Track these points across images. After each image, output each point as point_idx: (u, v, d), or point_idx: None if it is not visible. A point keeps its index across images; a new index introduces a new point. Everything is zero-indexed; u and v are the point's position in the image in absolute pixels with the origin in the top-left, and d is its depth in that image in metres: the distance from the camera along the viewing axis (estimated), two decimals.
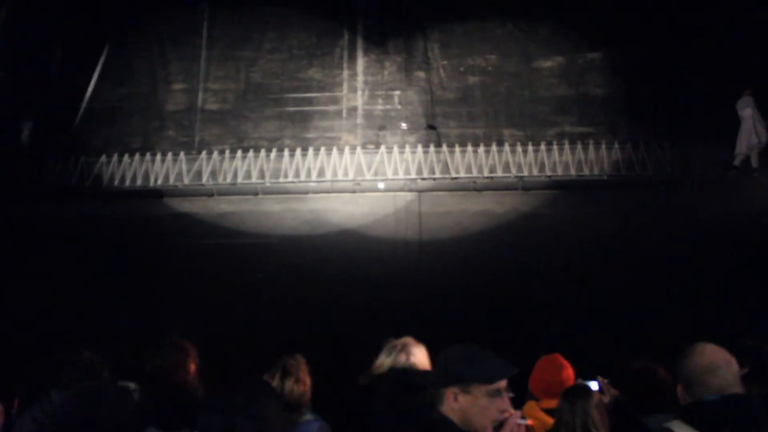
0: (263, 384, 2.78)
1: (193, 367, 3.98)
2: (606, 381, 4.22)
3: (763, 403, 2.94)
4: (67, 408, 2.74)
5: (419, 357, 4.03)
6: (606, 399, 4.01)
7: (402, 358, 3.98)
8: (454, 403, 2.55)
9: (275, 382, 3.93)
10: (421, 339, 4.25)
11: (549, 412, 4.31)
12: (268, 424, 2.28)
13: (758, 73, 11.51)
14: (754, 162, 11.38)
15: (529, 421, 2.98)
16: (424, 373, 3.95)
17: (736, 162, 11.48)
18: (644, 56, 12.40)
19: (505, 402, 2.59)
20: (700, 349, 3.03)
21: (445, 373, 2.62)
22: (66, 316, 10.40)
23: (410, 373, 3.90)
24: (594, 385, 4.02)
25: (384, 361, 4.03)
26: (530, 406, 4.55)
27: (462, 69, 12.99)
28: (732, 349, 3.03)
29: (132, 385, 3.78)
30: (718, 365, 2.95)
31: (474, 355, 2.64)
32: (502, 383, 2.60)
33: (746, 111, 11.28)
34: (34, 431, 4.00)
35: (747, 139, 11.27)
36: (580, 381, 4.19)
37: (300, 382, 3.98)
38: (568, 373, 4.66)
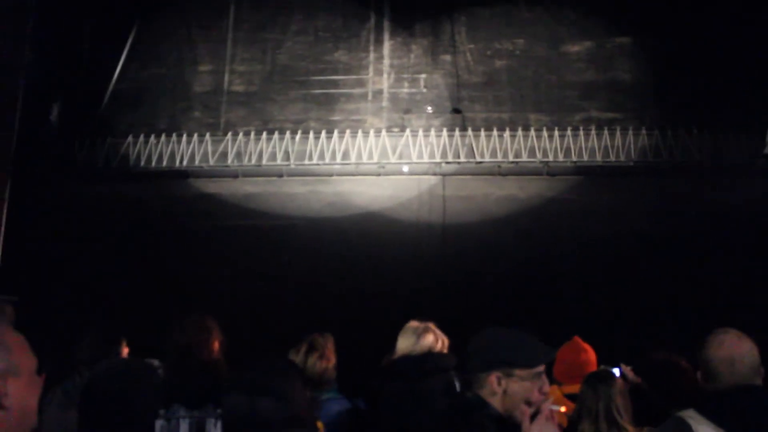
0: (286, 362, 2.80)
1: (216, 345, 4.03)
2: (629, 368, 4.21)
3: None
4: (95, 383, 2.78)
5: (439, 341, 4.04)
6: (628, 386, 4.00)
7: (422, 341, 3.98)
8: (497, 387, 2.53)
9: (299, 357, 3.97)
10: (444, 322, 4.25)
11: (571, 397, 4.32)
12: (292, 404, 2.30)
13: None
14: None
15: (563, 408, 2.99)
16: (444, 356, 3.97)
17: (767, 150, 11.30)
18: (674, 42, 12.20)
19: (545, 385, 2.59)
20: (719, 339, 3.00)
21: (487, 357, 2.59)
22: (92, 295, 10.56)
23: (430, 356, 3.92)
24: (616, 372, 4.01)
25: (404, 344, 4.04)
26: (552, 390, 4.55)
27: (489, 53, 12.88)
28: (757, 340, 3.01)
29: (156, 363, 3.83)
30: (735, 358, 2.93)
31: (518, 339, 2.63)
32: (542, 366, 2.60)
33: None
34: (66, 404, 4.10)
35: None
36: (603, 367, 4.18)
37: (324, 358, 4.01)
38: (589, 356, 4.68)
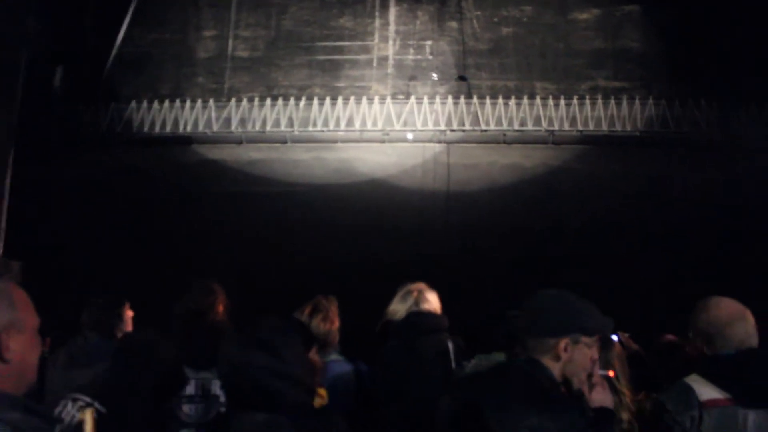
0: (290, 323, 2.81)
1: (221, 308, 4.06)
2: (627, 335, 4.25)
3: None
4: (106, 347, 2.86)
5: (433, 302, 4.12)
6: (626, 353, 4.03)
7: (417, 303, 4.07)
8: (564, 354, 2.51)
9: (303, 318, 4.01)
10: (447, 289, 4.28)
11: None
12: (286, 362, 2.30)
13: None
14: None
15: (611, 373, 3.03)
16: (438, 317, 4.06)
17: None
18: (683, 12, 12.06)
19: (595, 353, 2.60)
20: (715, 302, 3.05)
21: (558, 322, 2.55)
22: (97, 260, 10.61)
23: (424, 316, 4.00)
24: (614, 338, 4.05)
25: (398, 306, 4.12)
26: None
27: (496, 20, 12.76)
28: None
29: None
30: (736, 317, 2.98)
31: (587, 306, 2.62)
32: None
33: None
34: (69, 364, 4.15)
35: None
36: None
37: (328, 320, 4.05)
38: None
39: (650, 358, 4.23)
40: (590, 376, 2.57)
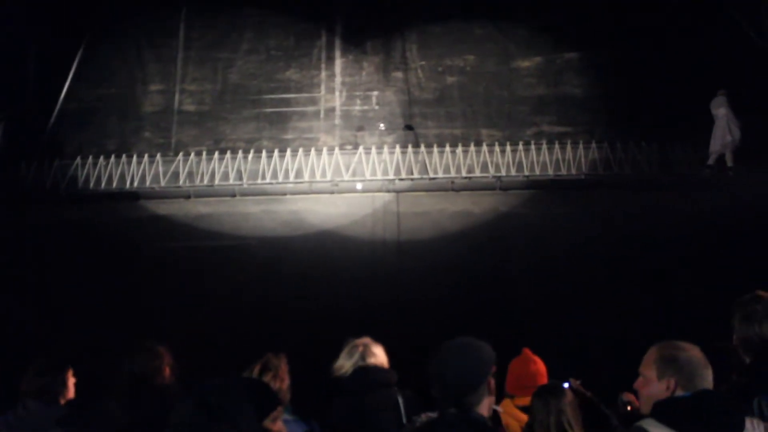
0: (241, 381, 2.75)
1: (168, 370, 3.97)
2: (578, 382, 4.27)
3: (734, 400, 2.97)
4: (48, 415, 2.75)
5: (380, 356, 4.09)
6: (577, 399, 4.05)
7: (364, 357, 4.03)
8: (492, 387, 2.71)
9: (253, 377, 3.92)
10: (400, 338, 4.25)
11: (523, 409, 4.36)
12: (240, 429, 2.24)
13: (735, 73, 11.64)
14: (729, 161, 11.53)
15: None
16: (386, 371, 4.02)
17: (711, 161, 11.62)
18: (621, 56, 12.48)
19: None
20: (684, 344, 3.07)
21: (479, 365, 2.72)
22: (41, 321, 10.30)
23: (372, 371, 3.97)
24: (566, 385, 4.08)
25: (344, 362, 4.08)
26: (506, 403, 4.63)
27: (440, 69, 13.00)
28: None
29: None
30: (706, 360, 3.02)
31: (479, 342, 2.85)
32: None
33: (720, 110, 11.48)
34: None
35: (721, 137, 11.44)
36: (552, 381, 4.24)
37: (278, 379, 3.98)
38: (539, 367, 4.76)
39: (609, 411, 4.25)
40: None
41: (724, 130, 11.41)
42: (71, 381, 4.37)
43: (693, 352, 3.01)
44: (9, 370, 4.74)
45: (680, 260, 10.46)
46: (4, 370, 5.00)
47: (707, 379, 2.95)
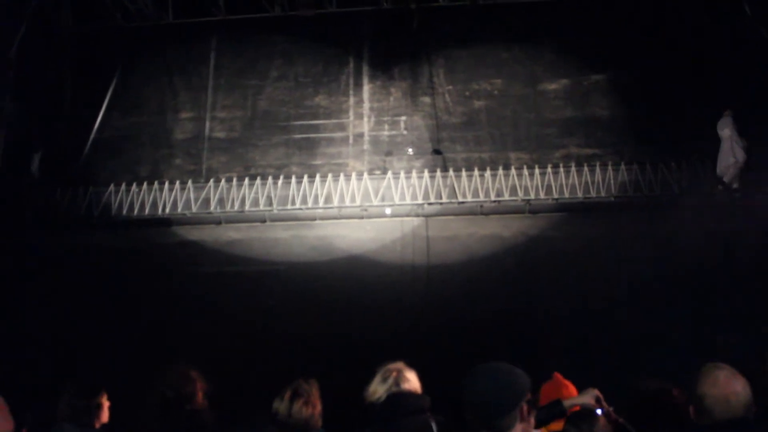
0: None
1: (200, 395, 3.98)
2: (611, 408, 4.22)
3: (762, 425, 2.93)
4: None
5: (413, 382, 4.04)
6: (611, 425, 3.99)
7: (398, 383, 3.98)
8: (528, 416, 2.63)
9: (284, 403, 3.90)
10: (430, 364, 4.23)
11: None
12: None
13: (764, 92, 11.51)
14: (735, 182, 11.34)
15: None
16: (420, 397, 3.97)
17: (726, 179, 11.41)
18: (647, 77, 12.43)
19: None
20: (714, 376, 2.99)
21: (512, 391, 2.66)
22: (74, 346, 10.43)
23: (405, 397, 3.92)
24: (599, 411, 4.02)
25: (377, 388, 4.02)
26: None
27: (467, 93, 13.04)
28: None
29: None
30: (730, 396, 2.93)
31: (513, 368, 2.76)
32: None
33: (725, 131, 11.30)
34: None
35: (725, 159, 11.28)
36: (586, 407, 4.19)
37: (309, 405, 3.94)
38: (570, 392, 4.71)
39: (639, 410, 4.17)
40: None
41: (728, 152, 11.25)
42: (106, 404, 4.41)
43: (710, 389, 2.96)
44: (44, 393, 4.80)
45: (714, 280, 10.32)
46: (39, 393, 5.06)
47: (719, 416, 2.91)
